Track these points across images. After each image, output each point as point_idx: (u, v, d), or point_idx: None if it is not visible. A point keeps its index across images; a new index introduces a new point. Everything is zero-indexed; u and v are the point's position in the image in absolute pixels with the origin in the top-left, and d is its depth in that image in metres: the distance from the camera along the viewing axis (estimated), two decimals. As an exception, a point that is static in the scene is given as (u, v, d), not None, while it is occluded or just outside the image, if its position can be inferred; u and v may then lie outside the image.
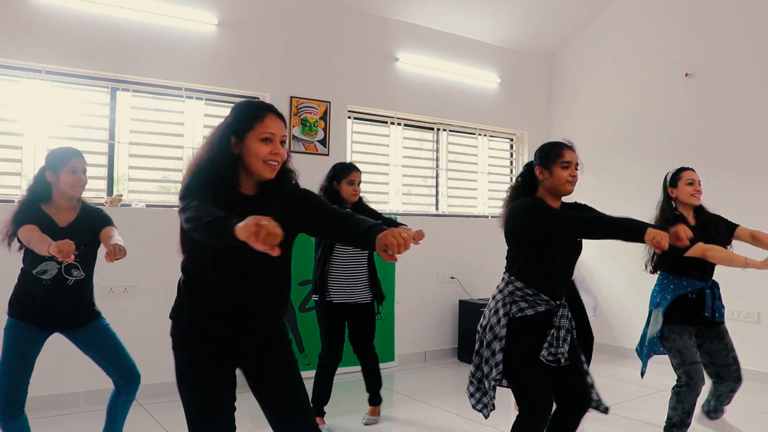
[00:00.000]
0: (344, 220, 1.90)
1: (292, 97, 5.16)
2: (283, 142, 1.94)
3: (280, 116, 1.97)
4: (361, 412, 4.07)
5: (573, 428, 2.64)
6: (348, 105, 5.50)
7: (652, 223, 3.05)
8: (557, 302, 2.58)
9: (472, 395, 2.69)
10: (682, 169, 3.39)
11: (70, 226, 2.82)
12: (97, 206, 3.02)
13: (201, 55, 4.79)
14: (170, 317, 2.02)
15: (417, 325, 5.83)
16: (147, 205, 4.62)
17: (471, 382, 2.69)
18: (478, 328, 2.69)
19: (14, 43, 4.11)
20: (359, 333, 3.88)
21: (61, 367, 4.13)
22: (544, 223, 2.48)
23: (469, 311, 5.83)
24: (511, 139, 6.93)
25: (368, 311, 3.86)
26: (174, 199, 4.84)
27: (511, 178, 6.89)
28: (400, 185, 5.98)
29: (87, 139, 4.52)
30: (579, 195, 2.90)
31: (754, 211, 5.03)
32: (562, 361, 2.51)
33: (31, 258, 2.77)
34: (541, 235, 2.53)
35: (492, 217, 6.57)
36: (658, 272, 3.36)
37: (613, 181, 6.18)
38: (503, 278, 2.65)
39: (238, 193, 1.91)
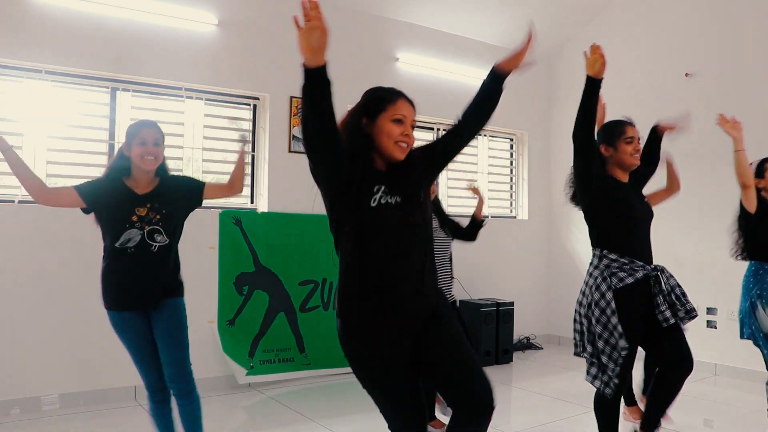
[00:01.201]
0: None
1: (292, 97, 5.16)
2: (413, 127, 2.00)
3: (412, 102, 2.03)
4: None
5: (678, 388, 2.75)
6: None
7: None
8: (652, 266, 2.70)
9: (595, 377, 2.73)
10: (766, 160, 3.54)
11: (148, 194, 2.80)
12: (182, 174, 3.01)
13: (201, 55, 4.79)
14: (341, 317, 1.97)
15: (417, 325, 5.82)
16: (147, 205, 4.62)
17: (592, 363, 2.74)
18: (578, 314, 2.79)
19: (14, 43, 4.11)
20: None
21: (66, 368, 4.14)
22: (581, 161, 2.68)
23: (469, 311, 5.82)
24: (511, 139, 6.93)
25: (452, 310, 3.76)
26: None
27: (511, 178, 6.90)
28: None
29: (87, 139, 4.52)
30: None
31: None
32: (671, 322, 2.67)
33: (111, 231, 2.73)
34: (605, 188, 2.70)
35: (492, 217, 6.57)
36: (749, 261, 3.42)
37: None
38: (594, 254, 2.76)
39: (371, 169, 1.95)
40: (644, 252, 2.73)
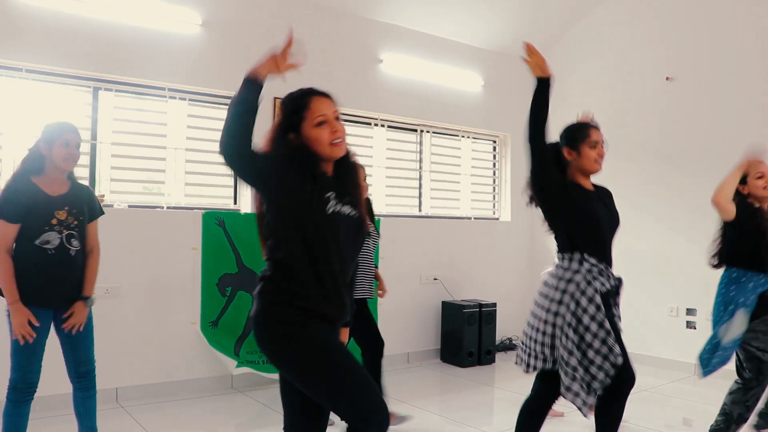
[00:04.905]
0: None
1: (275, 98, 5.15)
2: (338, 118, 1.96)
3: (324, 94, 1.98)
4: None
5: (623, 404, 2.60)
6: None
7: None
8: (617, 276, 2.64)
9: (577, 395, 2.49)
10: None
11: (63, 197, 2.85)
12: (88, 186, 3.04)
13: (184, 55, 4.77)
14: (272, 304, 1.88)
15: (400, 326, 5.83)
16: (129, 206, 4.59)
17: (574, 378, 2.48)
18: (542, 323, 2.57)
19: (-6, 41, 4.07)
20: (367, 325, 3.99)
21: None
22: (535, 165, 2.57)
23: (451, 312, 5.85)
24: (494, 141, 6.97)
25: (366, 305, 4.02)
26: (156, 200, 4.80)
27: (494, 180, 6.94)
28: (384, 186, 5.99)
29: (68, 139, 4.47)
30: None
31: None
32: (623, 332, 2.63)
33: (28, 231, 2.75)
34: (566, 199, 2.61)
35: (475, 218, 6.61)
36: (725, 268, 3.24)
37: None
38: (573, 258, 2.59)
39: (322, 176, 1.95)
40: (610, 260, 2.65)
